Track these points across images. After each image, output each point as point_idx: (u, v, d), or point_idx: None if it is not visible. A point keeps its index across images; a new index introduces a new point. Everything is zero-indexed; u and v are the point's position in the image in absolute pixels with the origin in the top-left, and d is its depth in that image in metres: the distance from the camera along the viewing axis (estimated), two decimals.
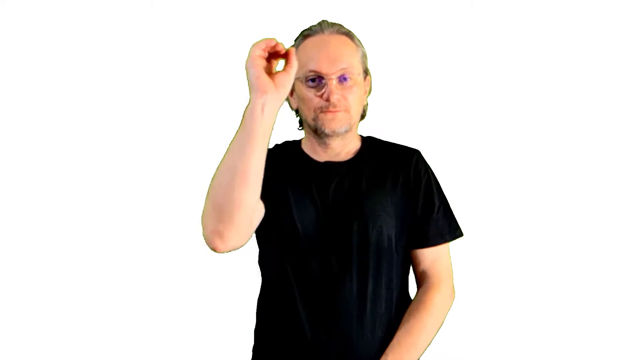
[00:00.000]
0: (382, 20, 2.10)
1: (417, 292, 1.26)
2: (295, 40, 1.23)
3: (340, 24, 1.22)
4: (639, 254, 2.06)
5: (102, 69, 2.12)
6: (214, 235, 1.04)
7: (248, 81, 0.98)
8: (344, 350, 1.16)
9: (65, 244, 2.11)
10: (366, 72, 1.25)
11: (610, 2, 2.07)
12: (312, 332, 1.17)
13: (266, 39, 0.98)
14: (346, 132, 1.21)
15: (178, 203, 2.07)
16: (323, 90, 1.16)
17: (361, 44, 1.24)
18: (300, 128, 1.29)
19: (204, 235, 1.06)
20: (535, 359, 2.04)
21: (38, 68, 2.11)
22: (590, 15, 2.07)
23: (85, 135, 2.13)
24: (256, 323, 1.29)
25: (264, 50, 0.97)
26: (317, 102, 1.17)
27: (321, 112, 1.17)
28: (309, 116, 1.20)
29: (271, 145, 1.31)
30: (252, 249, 1.24)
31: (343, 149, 1.25)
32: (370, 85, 1.28)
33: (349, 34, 1.22)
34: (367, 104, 1.28)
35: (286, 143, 1.31)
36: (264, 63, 0.98)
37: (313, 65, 1.17)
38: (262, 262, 1.28)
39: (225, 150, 1.03)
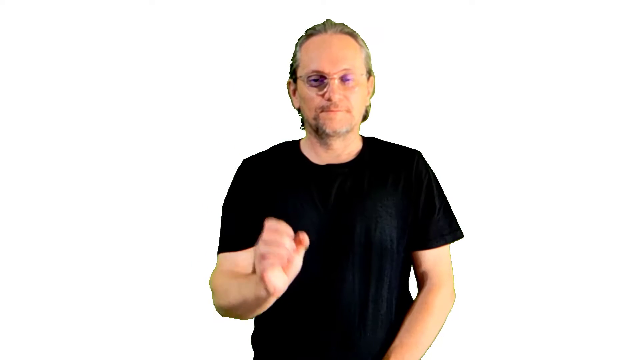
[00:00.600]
0: (382, 20, 2.10)
1: (418, 294, 1.25)
2: (299, 39, 1.23)
3: (344, 24, 1.22)
4: (638, 254, 2.06)
5: (102, 69, 2.11)
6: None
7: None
8: (345, 351, 1.16)
9: (65, 244, 2.10)
10: (369, 73, 1.23)
11: (611, 2, 2.07)
12: (313, 332, 1.17)
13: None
14: (347, 132, 1.20)
15: (178, 203, 2.06)
16: (325, 90, 1.16)
17: (365, 44, 1.23)
18: (302, 127, 1.28)
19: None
20: (535, 359, 2.04)
21: (38, 68, 2.10)
22: (590, 14, 2.07)
23: (85, 135, 2.12)
24: (254, 329, 1.28)
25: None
26: (318, 101, 1.17)
27: (322, 111, 1.17)
28: (310, 115, 1.19)
29: (268, 147, 1.32)
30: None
31: (344, 149, 1.24)
32: (374, 86, 1.27)
33: (352, 34, 1.21)
34: (370, 105, 1.27)
35: (284, 144, 1.30)
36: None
37: (315, 65, 1.16)
38: None
39: (236, 284, 1.09)
